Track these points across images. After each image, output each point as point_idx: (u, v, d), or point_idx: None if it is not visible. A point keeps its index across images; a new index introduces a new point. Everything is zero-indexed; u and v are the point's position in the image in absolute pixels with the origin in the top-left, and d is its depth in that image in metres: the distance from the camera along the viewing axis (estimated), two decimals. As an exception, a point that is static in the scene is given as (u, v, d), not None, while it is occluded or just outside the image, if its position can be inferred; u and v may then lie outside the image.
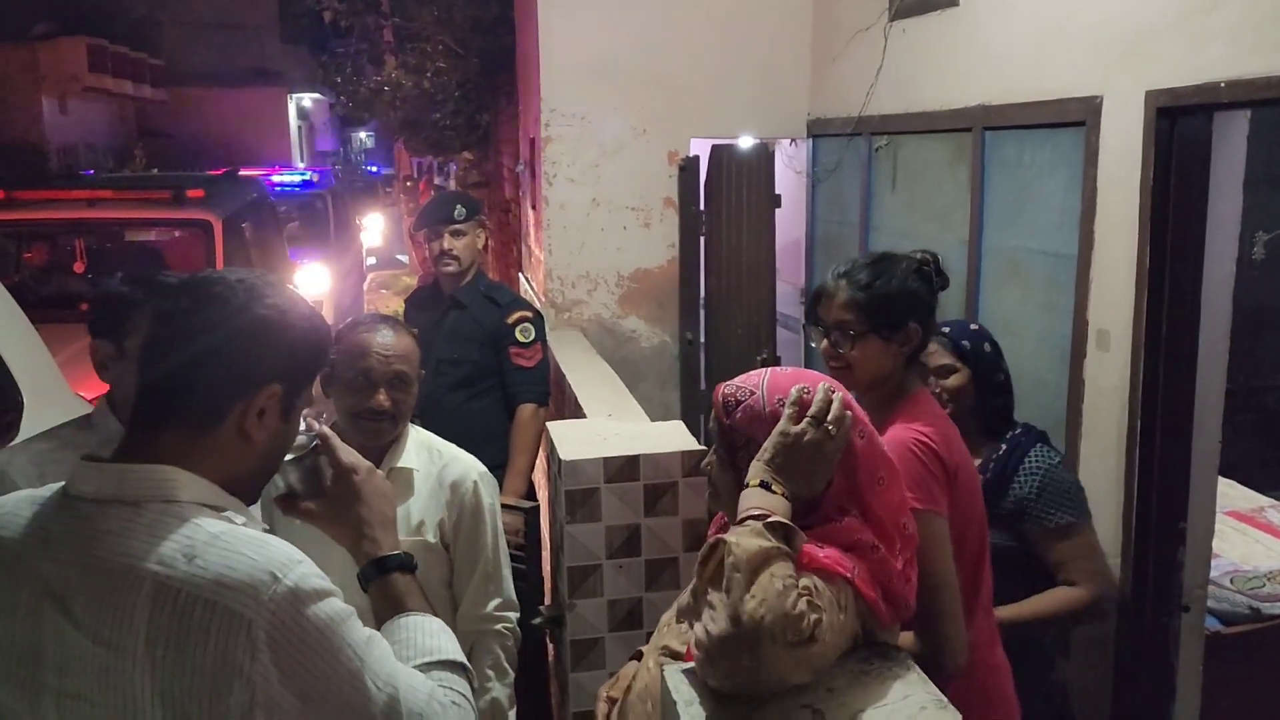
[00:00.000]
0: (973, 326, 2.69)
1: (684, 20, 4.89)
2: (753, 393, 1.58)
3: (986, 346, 2.61)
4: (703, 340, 5.00)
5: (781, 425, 1.51)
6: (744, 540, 1.33)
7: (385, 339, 2.23)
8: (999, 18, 3.49)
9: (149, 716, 1.08)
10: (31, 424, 3.34)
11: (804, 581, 1.36)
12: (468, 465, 2.33)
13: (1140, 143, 2.79)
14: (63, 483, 1.24)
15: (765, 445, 1.51)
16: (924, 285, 2.01)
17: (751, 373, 1.63)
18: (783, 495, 1.45)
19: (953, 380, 2.56)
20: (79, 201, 7.07)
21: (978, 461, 2.58)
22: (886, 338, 1.98)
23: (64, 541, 1.16)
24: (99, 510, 1.17)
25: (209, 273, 1.27)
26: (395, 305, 14.65)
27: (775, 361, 4.71)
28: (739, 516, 1.43)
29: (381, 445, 2.26)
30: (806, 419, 1.50)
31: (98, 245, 7.21)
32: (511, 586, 2.36)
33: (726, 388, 1.62)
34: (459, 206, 3.70)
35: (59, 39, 19.15)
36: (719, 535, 1.39)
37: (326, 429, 1.47)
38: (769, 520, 1.37)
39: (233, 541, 1.14)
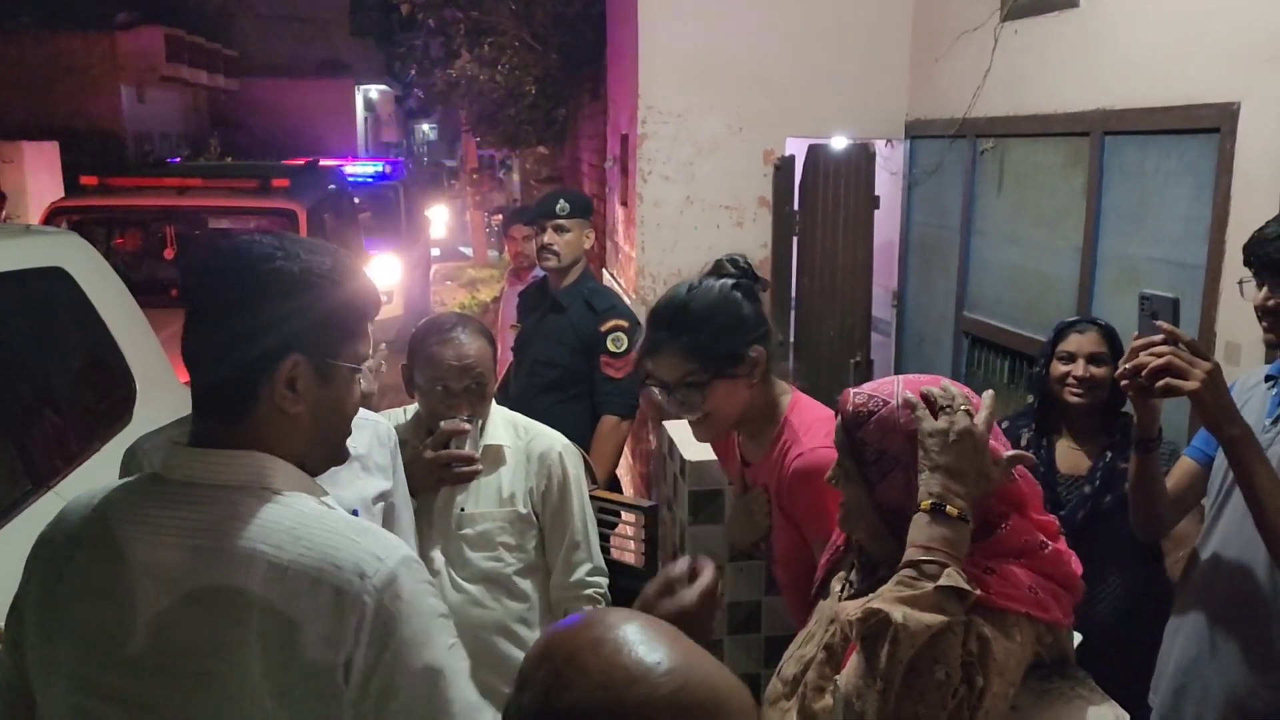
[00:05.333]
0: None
1: (783, 19, 4.86)
2: (886, 402, 1.44)
3: None
4: (792, 341, 4.96)
5: (928, 426, 1.37)
6: (912, 619, 1.23)
7: (459, 349, 2.25)
8: (1124, 20, 3.41)
9: (260, 688, 1.11)
10: (143, 409, 3.40)
11: (971, 644, 1.27)
12: (552, 438, 2.42)
13: (1282, 151, 2.72)
14: (151, 471, 1.26)
15: (924, 452, 1.37)
16: (750, 302, 1.89)
17: (881, 380, 1.51)
18: (960, 515, 1.32)
19: (1103, 371, 2.50)
20: (169, 189, 7.21)
21: (1087, 466, 2.53)
22: (734, 376, 1.85)
23: (173, 527, 1.17)
24: (203, 495, 1.18)
25: (221, 242, 1.22)
26: (460, 297, 14.78)
27: (869, 365, 4.66)
28: (907, 558, 1.31)
29: None
30: (947, 409, 1.37)
31: (187, 232, 7.35)
32: (599, 554, 2.42)
33: (856, 398, 1.48)
34: (563, 201, 3.61)
35: (139, 28, 19.59)
36: (884, 610, 1.24)
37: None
38: (941, 585, 1.26)
39: (337, 524, 1.18)
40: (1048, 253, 3.89)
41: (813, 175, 4.78)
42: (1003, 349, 4.25)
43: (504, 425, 2.39)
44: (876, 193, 4.74)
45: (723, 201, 4.96)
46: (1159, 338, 1.74)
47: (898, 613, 1.24)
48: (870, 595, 1.32)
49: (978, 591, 1.30)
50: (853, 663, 1.30)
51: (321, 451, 1.28)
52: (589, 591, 2.37)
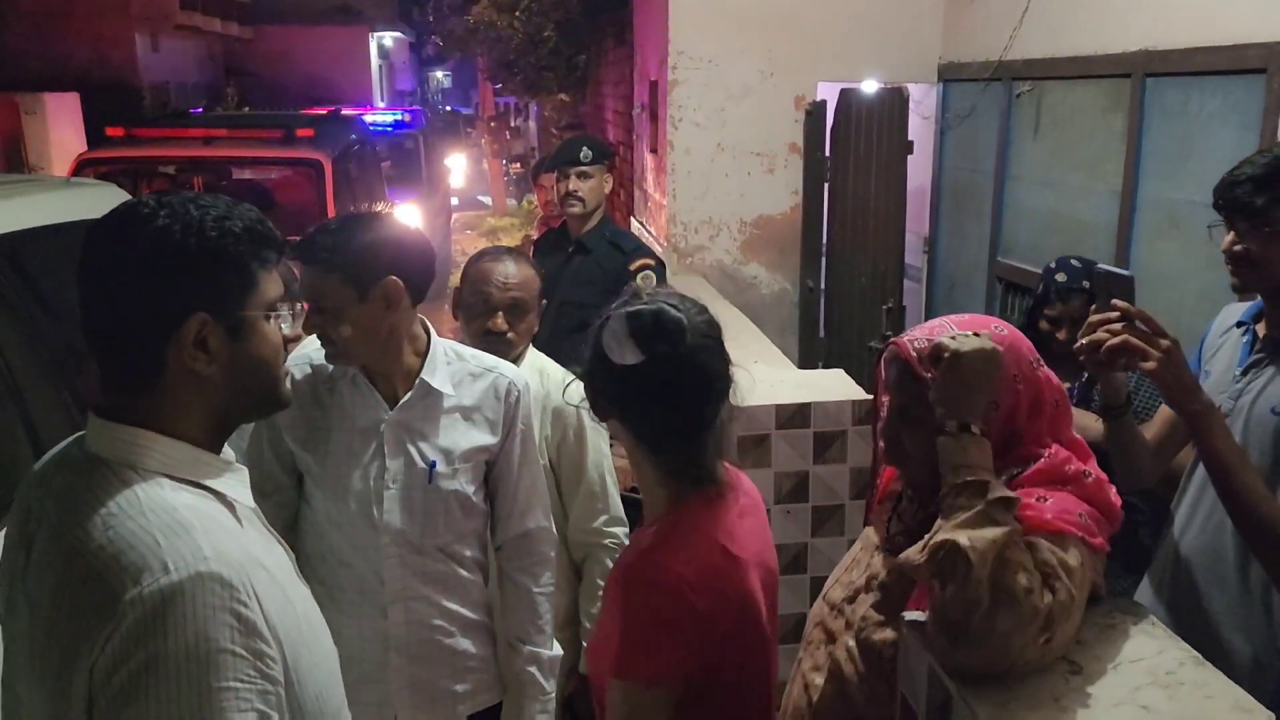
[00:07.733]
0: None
1: (815, -40, 4.80)
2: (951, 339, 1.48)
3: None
4: (823, 288, 4.97)
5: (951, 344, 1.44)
6: (976, 536, 1.29)
7: (505, 268, 2.36)
8: (1168, -41, 3.36)
9: (31, 669, 1.08)
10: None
11: (1042, 555, 1.33)
12: (572, 389, 2.40)
13: (1333, 92, 2.69)
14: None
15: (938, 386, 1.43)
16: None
17: (928, 323, 1.55)
18: (981, 432, 1.40)
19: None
20: (195, 140, 7.21)
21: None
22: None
23: (55, 492, 1.14)
24: (83, 465, 1.13)
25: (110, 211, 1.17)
26: (480, 245, 14.76)
27: (901, 311, 4.67)
28: (949, 484, 1.37)
29: None
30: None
31: (214, 183, 7.36)
32: (619, 503, 2.43)
33: (915, 343, 1.51)
34: (585, 149, 3.69)
35: (152, -24, 19.36)
36: (949, 538, 1.29)
37: None
38: (990, 499, 1.32)
39: (152, 520, 1.05)
40: (1086, 197, 3.87)
41: (844, 120, 4.75)
42: (1037, 294, 4.24)
43: (530, 370, 2.39)
44: (910, 138, 4.71)
45: (754, 148, 4.94)
46: (1115, 315, 1.73)
47: (963, 537, 1.29)
48: (927, 536, 1.36)
49: (1018, 495, 1.36)
50: (935, 593, 1.34)
51: (247, 404, 1.22)
52: (607, 541, 2.38)
